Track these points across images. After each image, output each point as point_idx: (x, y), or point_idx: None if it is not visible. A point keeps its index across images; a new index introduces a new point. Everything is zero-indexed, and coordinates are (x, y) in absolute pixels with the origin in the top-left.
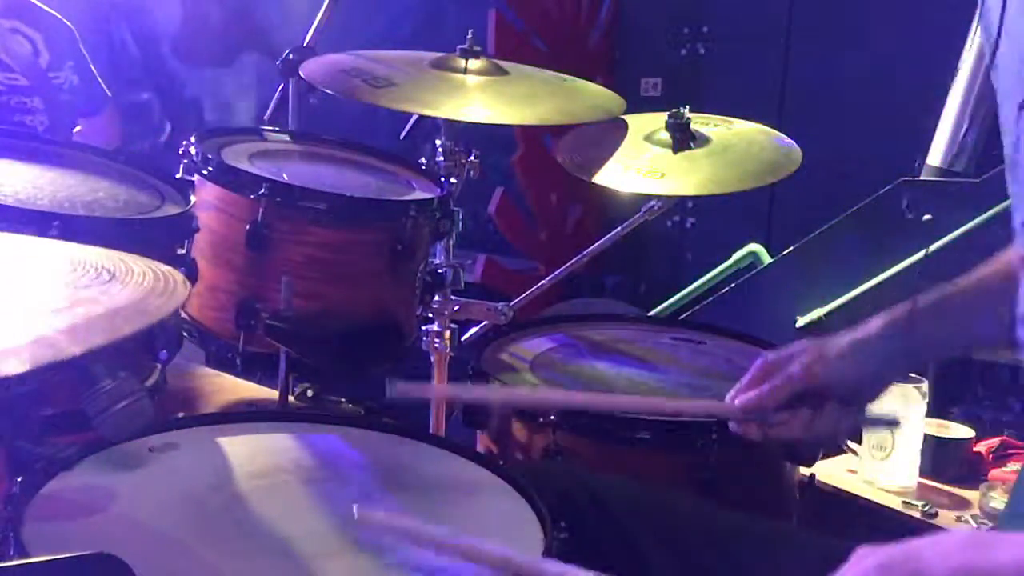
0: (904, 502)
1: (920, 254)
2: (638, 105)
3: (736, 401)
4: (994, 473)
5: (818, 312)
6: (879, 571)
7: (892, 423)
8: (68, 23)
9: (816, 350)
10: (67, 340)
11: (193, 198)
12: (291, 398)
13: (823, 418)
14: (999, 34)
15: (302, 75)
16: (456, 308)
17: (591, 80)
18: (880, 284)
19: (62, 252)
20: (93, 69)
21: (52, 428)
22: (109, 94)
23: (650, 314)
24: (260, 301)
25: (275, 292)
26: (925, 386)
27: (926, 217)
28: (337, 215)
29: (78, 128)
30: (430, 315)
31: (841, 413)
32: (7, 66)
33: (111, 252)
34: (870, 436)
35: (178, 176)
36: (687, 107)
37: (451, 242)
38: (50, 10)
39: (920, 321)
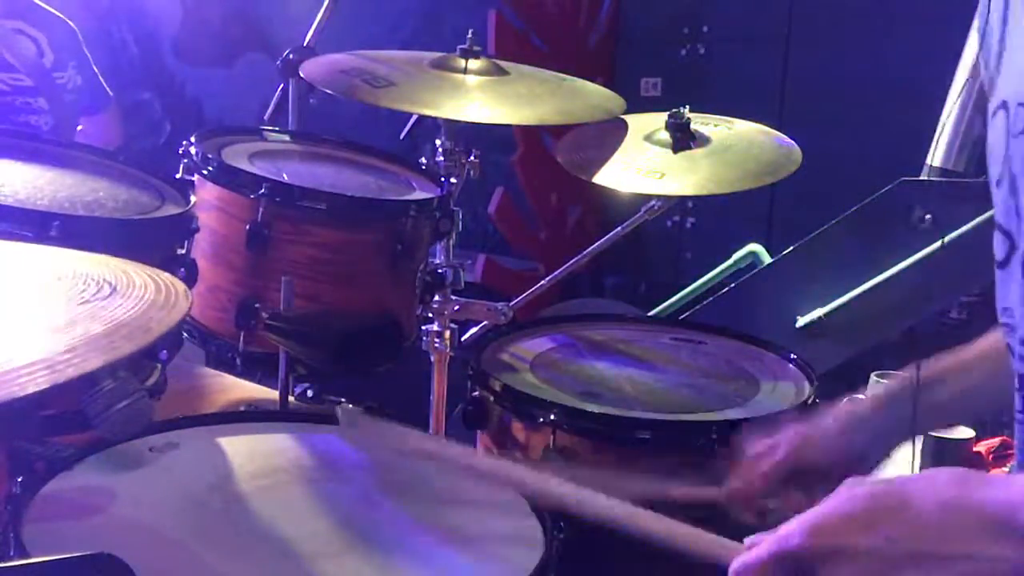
0: None
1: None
2: (638, 105)
3: (725, 486)
4: (994, 473)
5: (818, 312)
6: (867, 500)
7: None
8: (70, 23)
9: (803, 432)
10: (65, 363)
11: (193, 198)
12: (291, 398)
13: (811, 499)
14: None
15: (302, 75)
16: (456, 308)
17: (591, 80)
18: (880, 284)
19: (64, 263)
20: (95, 68)
21: (52, 428)
22: (111, 93)
23: (650, 314)
24: (260, 301)
25: (275, 292)
26: None
27: (926, 217)
28: (337, 215)
29: (80, 127)
30: (430, 315)
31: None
32: (12, 67)
33: (113, 261)
34: None
35: (178, 176)
36: (687, 107)
37: (451, 242)
38: (53, 10)
39: (921, 392)
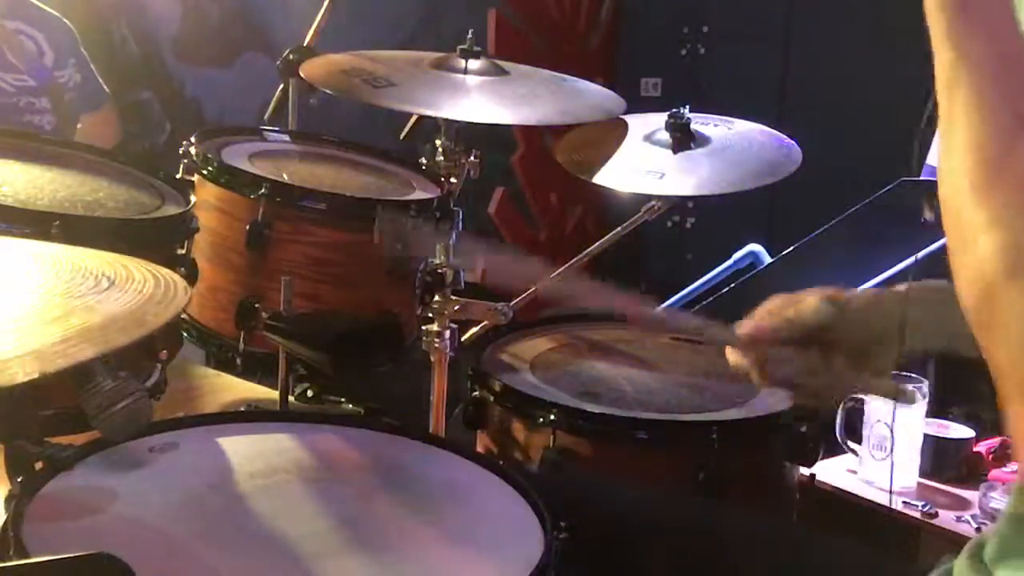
0: (904, 502)
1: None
2: (638, 105)
3: (740, 328)
4: (994, 473)
5: None
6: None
7: (901, 393)
8: (67, 22)
9: (835, 295)
10: (57, 353)
11: (193, 198)
12: (291, 398)
13: (827, 369)
14: None
15: (302, 75)
16: (456, 308)
17: (591, 80)
18: (880, 284)
19: (63, 257)
20: (92, 66)
21: (52, 428)
22: (107, 91)
23: None
24: (260, 301)
25: (275, 292)
26: (925, 386)
27: (926, 217)
28: (337, 215)
29: (79, 125)
30: (430, 315)
31: (847, 370)
32: (15, 67)
33: (113, 256)
34: (870, 436)
35: (178, 176)
36: (687, 107)
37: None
38: (49, 9)
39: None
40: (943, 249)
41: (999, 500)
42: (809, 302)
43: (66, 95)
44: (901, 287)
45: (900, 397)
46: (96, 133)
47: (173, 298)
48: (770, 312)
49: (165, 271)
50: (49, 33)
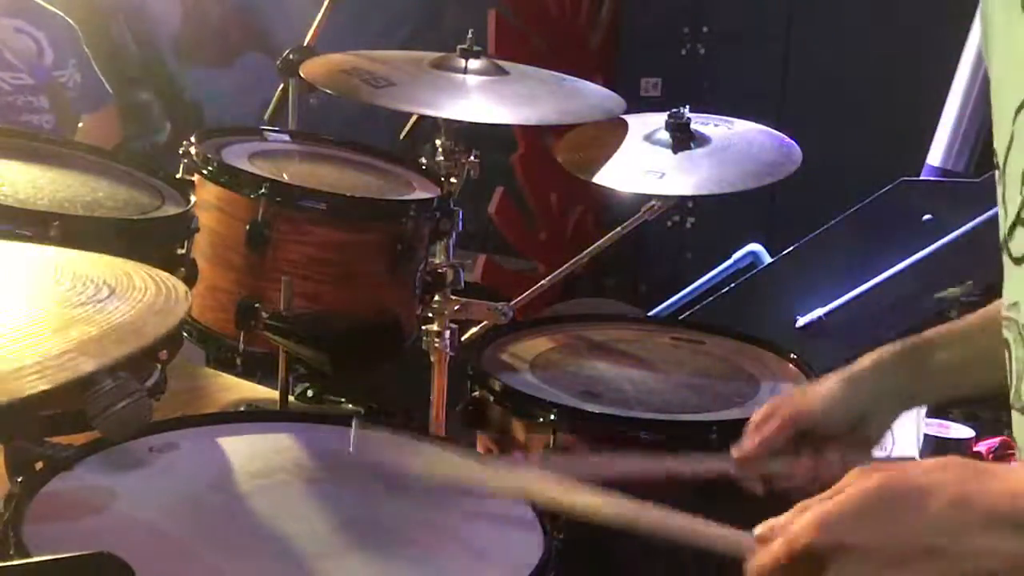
0: None
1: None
2: (638, 105)
3: (734, 454)
4: (1000, 465)
5: (818, 312)
6: (877, 494)
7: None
8: (70, 21)
9: (804, 393)
10: (56, 367)
11: (193, 198)
12: (291, 398)
13: (826, 463)
14: None
15: (302, 75)
16: (456, 308)
17: (591, 80)
18: (880, 284)
19: (63, 264)
20: (94, 66)
21: (52, 428)
22: (110, 91)
23: (650, 314)
24: (260, 301)
25: (275, 292)
26: None
27: (926, 217)
28: (337, 215)
29: (80, 124)
30: (430, 315)
31: (846, 455)
32: (13, 66)
33: (114, 262)
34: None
35: (178, 176)
36: (687, 107)
37: (451, 242)
38: (52, 8)
39: (921, 357)
40: (943, 249)
41: None
42: (786, 413)
43: (66, 94)
44: (865, 365)
45: None
46: (97, 133)
47: (173, 308)
48: (753, 434)
49: (166, 277)
50: (50, 32)
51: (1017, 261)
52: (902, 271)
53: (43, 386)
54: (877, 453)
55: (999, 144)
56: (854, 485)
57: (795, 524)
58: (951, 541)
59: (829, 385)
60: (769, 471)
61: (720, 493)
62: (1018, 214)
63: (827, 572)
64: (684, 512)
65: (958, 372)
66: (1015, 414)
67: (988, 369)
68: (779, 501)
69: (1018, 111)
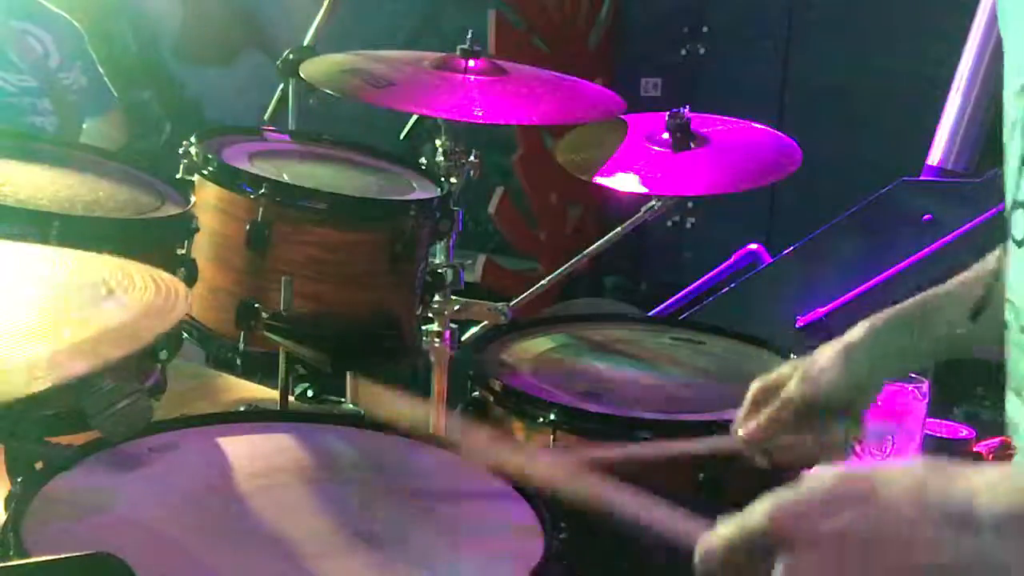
0: None
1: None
2: (638, 105)
3: (740, 433)
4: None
5: (818, 312)
6: (834, 485)
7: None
8: (76, 24)
9: (804, 367)
10: (53, 368)
11: (193, 198)
12: (291, 398)
13: (828, 435)
14: None
15: (302, 75)
16: (456, 308)
17: (591, 80)
18: (880, 284)
19: (65, 264)
20: (100, 70)
21: (52, 428)
22: (115, 94)
23: (650, 314)
24: (260, 301)
25: (275, 292)
26: (925, 386)
27: (926, 217)
28: (337, 215)
29: (85, 127)
30: (430, 315)
31: (844, 426)
32: (18, 67)
33: (115, 261)
34: (870, 436)
35: (178, 176)
36: (687, 107)
37: (451, 242)
38: (58, 11)
39: (917, 322)
40: (943, 249)
41: None
42: (788, 388)
43: (70, 97)
44: (859, 335)
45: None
46: (102, 136)
47: (172, 308)
48: (754, 407)
49: (168, 277)
50: (56, 34)
51: (1019, 244)
52: (902, 271)
53: (43, 386)
54: (876, 455)
55: (1005, 125)
56: (813, 477)
57: (750, 509)
58: (904, 534)
59: (827, 357)
60: (772, 448)
61: (721, 488)
62: (1015, 198)
63: (776, 559)
64: (673, 501)
65: (952, 330)
66: (1009, 394)
67: (984, 327)
68: (783, 477)
69: (1018, 93)
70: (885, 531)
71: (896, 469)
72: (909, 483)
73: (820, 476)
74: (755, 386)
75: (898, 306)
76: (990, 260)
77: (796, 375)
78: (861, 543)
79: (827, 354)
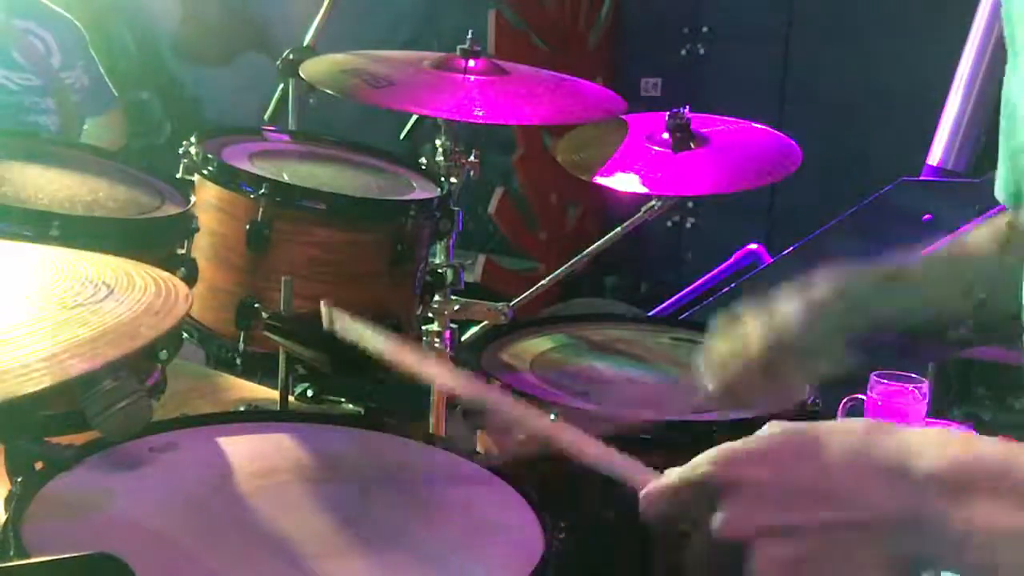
0: None
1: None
2: (638, 105)
3: (709, 388)
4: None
5: None
6: (780, 439)
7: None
8: (78, 24)
9: (765, 325)
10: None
11: (193, 198)
12: (291, 398)
13: (788, 386)
14: None
15: (302, 75)
16: (456, 308)
17: (591, 80)
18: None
19: (63, 264)
20: (101, 69)
21: (52, 428)
22: (116, 94)
23: (650, 314)
24: (260, 301)
25: (275, 292)
26: (925, 386)
27: (926, 217)
28: (337, 215)
29: (86, 127)
30: (430, 315)
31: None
32: (20, 66)
33: (114, 261)
34: None
35: (178, 176)
36: (687, 107)
37: (451, 242)
38: (61, 11)
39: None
40: None
41: None
42: (752, 339)
43: (72, 96)
44: (826, 293)
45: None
46: (103, 136)
47: (172, 308)
48: (723, 367)
49: (166, 277)
50: (59, 34)
51: None
52: None
53: (42, 386)
54: None
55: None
56: (761, 431)
57: (697, 457)
58: (843, 490)
59: (790, 316)
60: (744, 402)
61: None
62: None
63: (718, 508)
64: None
65: (921, 294)
66: None
67: (951, 296)
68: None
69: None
70: (827, 482)
71: (840, 425)
72: (851, 438)
73: (767, 429)
74: (720, 349)
75: (870, 268)
76: (971, 244)
77: (758, 332)
78: (803, 492)
79: (790, 310)
